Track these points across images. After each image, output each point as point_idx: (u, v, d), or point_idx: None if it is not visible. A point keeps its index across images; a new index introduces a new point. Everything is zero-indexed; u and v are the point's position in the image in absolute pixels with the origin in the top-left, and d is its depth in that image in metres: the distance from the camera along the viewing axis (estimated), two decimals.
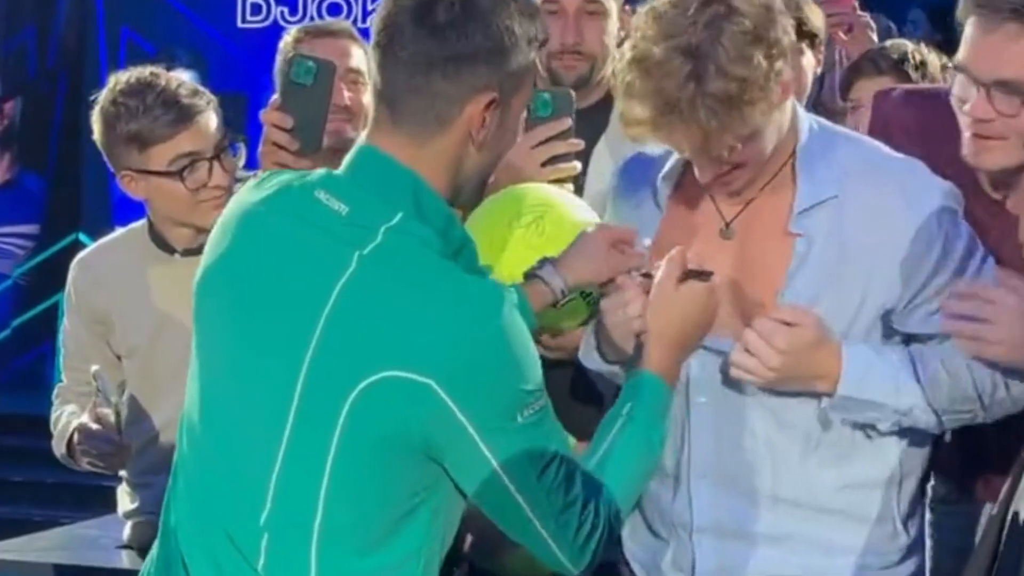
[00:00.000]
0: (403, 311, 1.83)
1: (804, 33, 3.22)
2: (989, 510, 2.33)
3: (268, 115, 2.69)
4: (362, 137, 1.97)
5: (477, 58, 1.88)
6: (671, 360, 2.11)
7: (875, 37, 4.02)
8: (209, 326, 1.98)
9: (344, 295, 1.85)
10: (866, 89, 3.45)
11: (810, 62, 3.34)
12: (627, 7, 3.05)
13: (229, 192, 2.78)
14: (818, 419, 2.21)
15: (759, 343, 2.11)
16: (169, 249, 2.91)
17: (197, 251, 2.47)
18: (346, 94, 2.97)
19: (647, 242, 2.24)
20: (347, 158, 1.96)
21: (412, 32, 1.88)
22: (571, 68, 3.00)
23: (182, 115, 2.78)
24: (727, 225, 2.23)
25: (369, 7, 7.53)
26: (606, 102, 2.81)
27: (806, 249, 2.18)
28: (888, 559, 2.27)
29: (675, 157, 2.26)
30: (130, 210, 7.17)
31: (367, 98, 3.05)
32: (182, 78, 2.89)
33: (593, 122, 2.90)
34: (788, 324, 2.11)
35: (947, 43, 6.41)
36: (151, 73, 2.82)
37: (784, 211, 2.19)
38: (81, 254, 3.08)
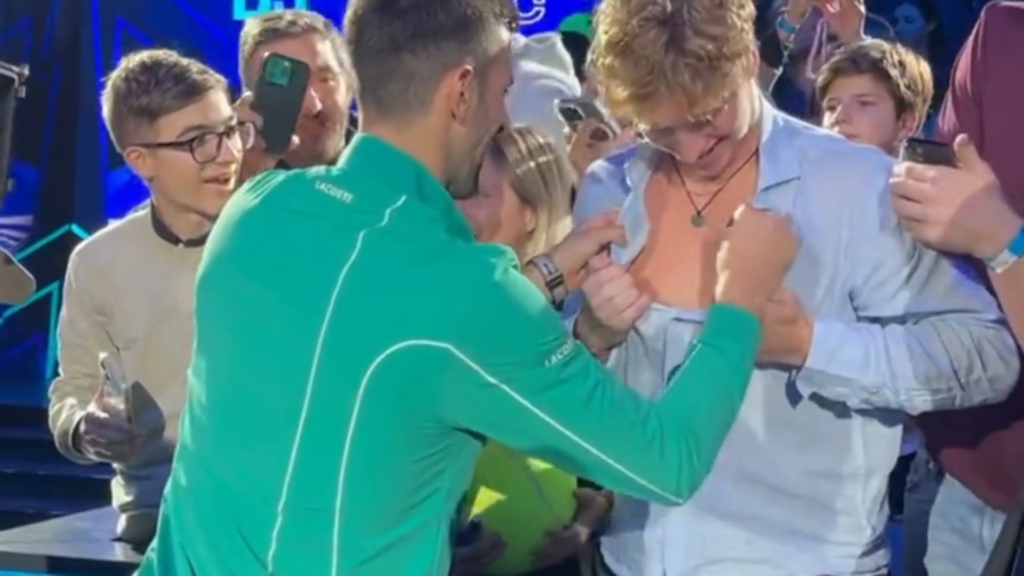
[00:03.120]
0: (412, 283, 1.87)
1: None
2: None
3: (242, 113, 2.74)
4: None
5: (442, 34, 1.94)
6: (754, 296, 2.10)
7: (862, 7, 4.00)
8: (213, 322, 2.00)
9: (353, 275, 1.89)
10: (845, 89, 3.46)
11: None
12: None
13: (234, 176, 2.78)
14: (786, 395, 2.22)
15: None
16: (173, 239, 2.90)
17: (200, 241, 2.50)
18: (317, 101, 2.99)
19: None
20: (347, 150, 2.00)
21: (377, 20, 1.95)
22: None
23: (192, 88, 2.80)
24: (698, 213, 2.25)
25: None
26: None
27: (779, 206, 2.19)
28: (851, 551, 2.28)
29: (641, 149, 2.30)
30: (123, 202, 7.15)
31: (340, 95, 3.09)
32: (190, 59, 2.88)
33: None
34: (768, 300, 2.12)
35: (937, 33, 6.42)
36: (163, 52, 2.85)
37: (747, 191, 2.22)
38: (82, 243, 3.08)
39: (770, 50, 3.84)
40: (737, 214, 2.14)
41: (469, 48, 1.96)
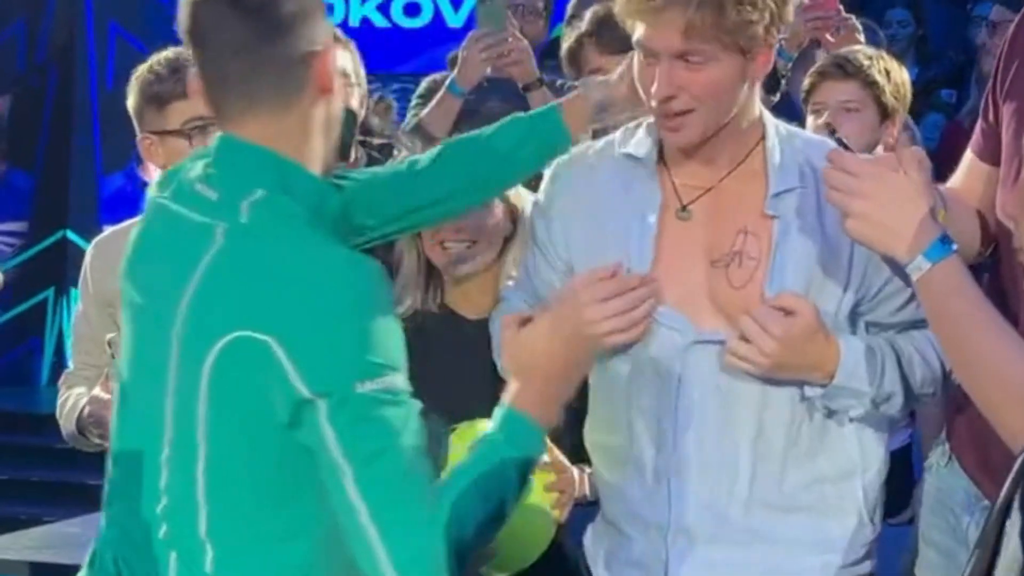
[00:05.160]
0: (255, 277, 1.88)
1: None
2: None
3: None
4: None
5: (301, 18, 1.94)
6: (548, 405, 2.01)
7: (862, 38, 4.04)
8: (124, 314, 2.06)
9: (208, 269, 1.91)
10: (830, 94, 3.48)
11: None
12: None
13: None
14: (793, 411, 2.24)
15: (755, 329, 2.12)
16: None
17: None
18: None
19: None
20: (213, 149, 2.01)
21: (232, 16, 1.93)
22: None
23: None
24: (684, 207, 2.24)
25: (359, 6, 7.53)
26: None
27: (784, 231, 2.21)
28: (853, 555, 2.29)
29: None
30: (118, 207, 7.15)
31: (355, 102, 3.18)
32: None
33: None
34: (786, 312, 2.13)
35: (923, 39, 6.43)
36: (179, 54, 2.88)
37: (755, 199, 2.23)
38: (98, 237, 3.14)
39: (768, 78, 3.88)
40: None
41: (322, 27, 1.98)
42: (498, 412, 2.00)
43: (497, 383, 2.39)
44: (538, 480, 2.57)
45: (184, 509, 1.94)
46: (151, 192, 2.07)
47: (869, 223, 1.99)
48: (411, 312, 2.82)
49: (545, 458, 2.56)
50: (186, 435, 1.93)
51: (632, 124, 2.36)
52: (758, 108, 2.28)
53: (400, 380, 1.88)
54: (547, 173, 2.42)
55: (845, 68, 3.51)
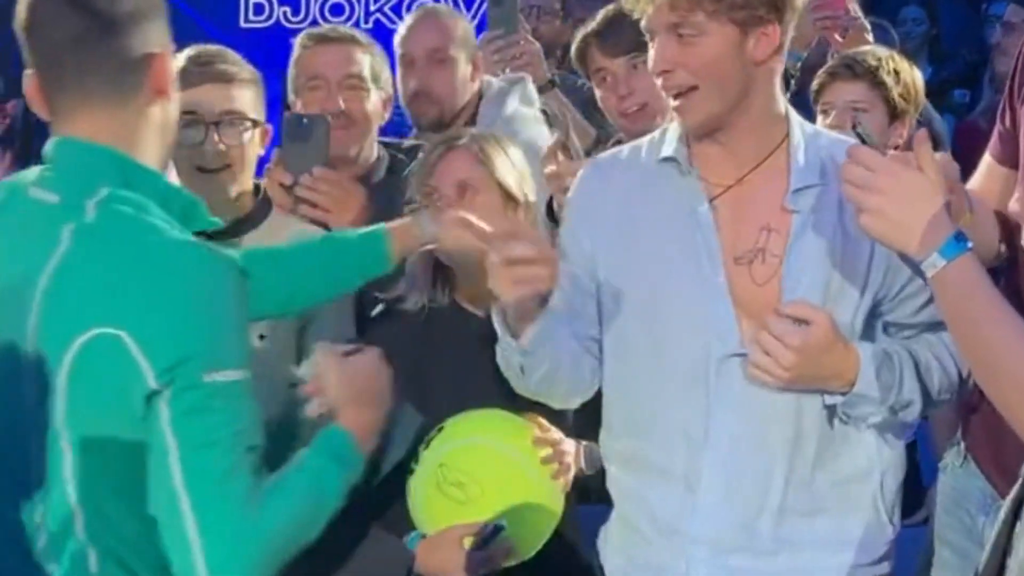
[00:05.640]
0: (107, 274, 1.89)
1: None
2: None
3: (271, 175, 2.96)
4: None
5: (144, 16, 1.97)
6: (361, 422, 2.10)
7: (871, 38, 4.03)
8: None
9: (57, 271, 1.92)
10: (839, 94, 3.48)
11: None
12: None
13: (235, 165, 2.85)
14: (817, 416, 2.26)
15: (773, 343, 2.12)
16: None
17: (227, 233, 2.72)
18: (341, 101, 3.22)
19: None
20: (48, 152, 2.00)
21: (66, 10, 1.94)
22: (424, 113, 3.54)
23: (192, 76, 2.85)
24: (709, 202, 2.25)
25: (371, 7, 7.53)
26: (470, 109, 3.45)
27: (802, 226, 2.23)
28: (874, 554, 2.29)
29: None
30: None
31: (370, 104, 3.26)
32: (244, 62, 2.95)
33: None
34: (801, 321, 2.13)
35: (936, 38, 6.41)
36: (227, 51, 2.93)
37: (778, 196, 2.25)
38: None
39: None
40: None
41: (161, 30, 1.99)
42: (325, 431, 2.06)
43: (503, 379, 2.41)
44: (533, 454, 2.58)
45: (60, 516, 1.93)
46: None
47: (883, 219, 1.99)
48: (419, 307, 2.84)
49: (537, 432, 2.59)
50: (51, 438, 1.92)
51: (658, 132, 2.39)
52: (782, 105, 2.30)
53: (244, 377, 1.90)
54: (578, 175, 2.46)
55: (854, 68, 3.51)
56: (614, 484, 2.44)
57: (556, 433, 2.65)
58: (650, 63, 2.27)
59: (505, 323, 2.25)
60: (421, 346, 2.81)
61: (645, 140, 2.42)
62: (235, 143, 2.85)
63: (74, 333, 1.88)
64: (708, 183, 2.29)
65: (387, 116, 3.38)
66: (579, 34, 3.47)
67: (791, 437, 2.24)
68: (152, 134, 2.00)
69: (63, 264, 1.91)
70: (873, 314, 2.28)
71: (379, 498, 2.72)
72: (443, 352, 2.80)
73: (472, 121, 3.54)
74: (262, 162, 3.06)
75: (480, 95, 3.64)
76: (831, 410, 2.25)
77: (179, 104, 2.80)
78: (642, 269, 2.31)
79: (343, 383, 2.12)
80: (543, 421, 2.64)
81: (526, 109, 3.64)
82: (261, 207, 2.97)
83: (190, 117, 2.83)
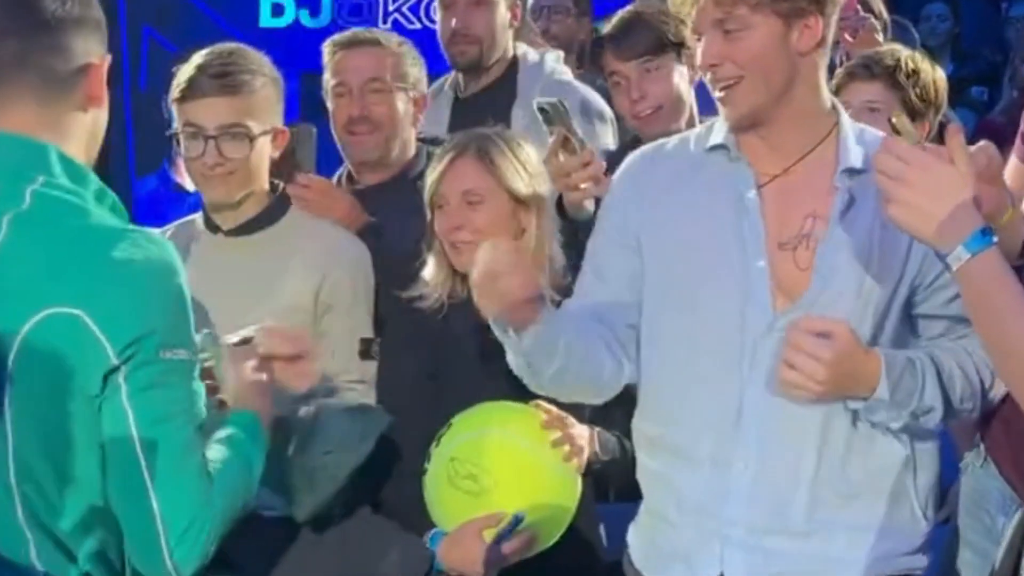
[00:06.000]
0: (56, 255, 1.91)
1: (671, 43, 3.34)
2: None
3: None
4: None
5: (96, 22, 2.03)
6: (267, 410, 2.20)
7: (880, 38, 4.02)
8: None
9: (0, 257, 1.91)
10: (855, 94, 3.47)
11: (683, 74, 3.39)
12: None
13: (241, 173, 2.89)
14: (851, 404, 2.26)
15: (804, 358, 2.15)
16: (214, 228, 2.98)
17: (239, 231, 2.83)
18: (371, 105, 3.27)
19: None
20: None
21: (15, 11, 1.98)
22: (463, 53, 3.63)
23: (193, 89, 2.89)
24: (757, 189, 2.31)
25: (389, 7, 7.54)
26: (508, 76, 3.55)
27: (844, 207, 2.27)
28: (912, 543, 2.30)
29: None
30: (151, 209, 7.15)
31: (401, 103, 3.29)
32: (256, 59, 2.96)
33: (504, 91, 3.54)
34: (823, 334, 2.16)
35: (958, 35, 6.39)
36: (234, 49, 2.94)
37: (824, 185, 2.29)
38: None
39: None
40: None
41: (99, 40, 2.04)
42: (237, 413, 2.15)
43: (512, 374, 2.43)
44: (542, 439, 2.58)
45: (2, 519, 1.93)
46: None
47: (911, 210, 2.01)
48: (437, 305, 2.85)
49: (543, 416, 2.60)
50: None
51: (703, 127, 2.45)
52: (828, 99, 2.34)
53: (193, 358, 1.96)
54: (622, 164, 2.50)
55: (871, 68, 3.50)
56: (643, 473, 2.45)
57: (564, 416, 2.66)
58: (697, 59, 2.32)
59: (501, 325, 2.26)
60: (438, 342, 2.83)
61: (691, 133, 2.47)
62: (237, 155, 2.88)
63: (24, 315, 1.89)
64: (756, 171, 2.33)
65: (420, 116, 3.40)
66: (597, 35, 3.53)
67: (822, 420, 2.26)
68: (80, 137, 2.03)
69: (4, 253, 1.92)
70: (909, 303, 2.29)
71: (397, 499, 2.73)
72: (460, 348, 2.82)
73: (510, 81, 3.61)
74: None
75: (514, 59, 3.72)
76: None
77: (184, 114, 2.88)
78: (685, 252, 2.34)
79: (244, 373, 2.20)
80: (549, 406, 2.64)
81: (563, 68, 3.76)
82: (277, 205, 2.97)
83: (191, 130, 2.87)
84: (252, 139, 2.88)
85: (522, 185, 2.80)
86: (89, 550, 1.96)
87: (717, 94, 2.29)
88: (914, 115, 3.49)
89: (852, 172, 2.30)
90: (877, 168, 2.04)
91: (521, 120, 3.47)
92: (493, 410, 2.67)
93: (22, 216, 1.94)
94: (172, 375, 1.93)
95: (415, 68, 3.35)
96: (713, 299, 2.31)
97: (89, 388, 1.91)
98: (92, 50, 2.03)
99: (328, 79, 3.38)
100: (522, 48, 3.79)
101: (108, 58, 2.06)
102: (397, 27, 7.49)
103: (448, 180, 2.82)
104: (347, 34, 3.42)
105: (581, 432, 2.67)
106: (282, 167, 3.06)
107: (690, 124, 3.38)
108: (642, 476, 2.45)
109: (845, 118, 2.37)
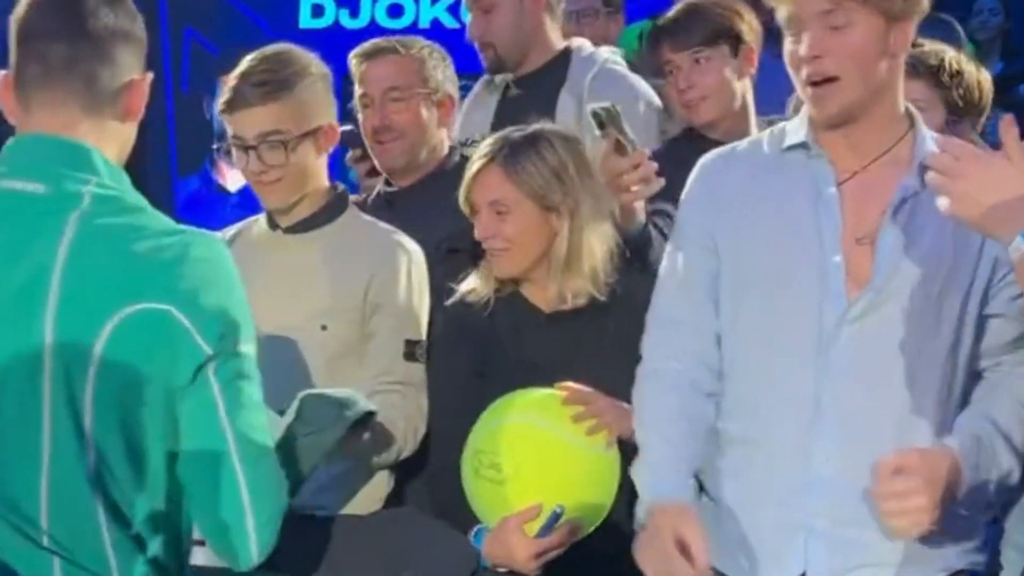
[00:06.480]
0: (133, 252, 1.97)
1: (725, 36, 3.38)
2: None
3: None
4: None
5: (126, 41, 2.08)
6: None
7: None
8: None
9: (72, 255, 1.96)
10: None
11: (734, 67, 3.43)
12: None
13: (286, 179, 2.91)
14: (941, 390, 2.32)
15: (900, 503, 2.17)
16: (274, 224, 3.01)
17: (298, 228, 2.88)
18: (392, 114, 3.31)
19: None
20: (15, 147, 2.06)
21: (67, 24, 2.04)
22: (485, 57, 3.74)
23: (234, 102, 2.91)
24: (838, 186, 2.35)
25: (430, 7, 7.55)
26: (557, 64, 3.61)
27: (911, 193, 2.32)
28: (977, 540, 2.38)
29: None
30: (193, 209, 7.17)
31: (424, 108, 3.33)
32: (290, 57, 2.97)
33: (553, 78, 3.60)
34: (897, 472, 2.18)
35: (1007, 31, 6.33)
36: (272, 53, 2.95)
37: (899, 180, 2.33)
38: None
39: None
40: None
41: (143, 56, 2.11)
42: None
43: (556, 372, 2.49)
44: (562, 418, 2.58)
45: (78, 514, 1.96)
46: None
47: (968, 202, 2.03)
48: (484, 300, 2.86)
49: (565, 395, 2.58)
50: (71, 420, 1.95)
51: (776, 128, 2.48)
52: (904, 103, 2.38)
53: (253, 341, 2.04)
54: (695, 168, 2.52)
55: (916, 67, 3.48)
56: (710, 468, 2.45)
57: (586, 392, 2.64)
58: (786, 55, 2.33)
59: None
60: (484, 340, 2.83)
61: (763, 135, 2.49)
62: (276, 162, 2.89)
63: (107, 312, 1.94)
64: (835, 168, 2.37)
65: (450, 118, 3.43)
66: (653, 27, 3.56)
67: (903, 409, 2.29)
68: (115, 146, 2.09)
69: (77, 250, 1.97)
70: (983, 302, 2.32)
71: (444, 497, 2.72)
72: (505, 343, 2.82)
73: (561, 68, 3.63)
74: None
75: (566, 49, 3.75)
76: (944, 383, 2.31)
77: (230, 125, 2.92)
78: (763, 249, 2.37)
79: None
80: (570, 384, 2.63)
81: (618, 60, 3.78)
82: (335, 204, 2.99)
83: (236, 141, 2.91)
84: (287, 144, 2.88)
85: (551, 188, 2.79)
86: (152, 552, 2.01)
87: (809, 91, 2.31)
88: (959, 113, 3.46)
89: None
90: (932, 165, 2.07)
91: (569, 106, 3.52)
92: (515, 397, 2.67)
93: (87, 215, 1.99)
94: (251, 367, 2.01)
95: (439, 71, 3.36)
96: (791, 293, 2.34)
97: (177, 381, 1.96)
98: (135, 65, 2.09)
99: (355, 91, 3.42)
100: (578, 41, 3.83)
101: (150, 76, 2.13)
102: (436, 27, 7.49)
103: (476, 190, 2.83)
104: (368, 44, 3.44)
105: (604, 404, 2.64)
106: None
107: (744, 117, 3.43)
108: (708, 471, 2.46)
109: (920, 121, 2.41)
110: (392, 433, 2.81)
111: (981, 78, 3.50)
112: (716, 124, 3.41)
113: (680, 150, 3.17)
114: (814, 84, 2.30)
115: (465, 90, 3.75)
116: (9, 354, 1.96)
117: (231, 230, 3.11)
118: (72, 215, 1.99)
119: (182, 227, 2.05)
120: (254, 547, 1.99)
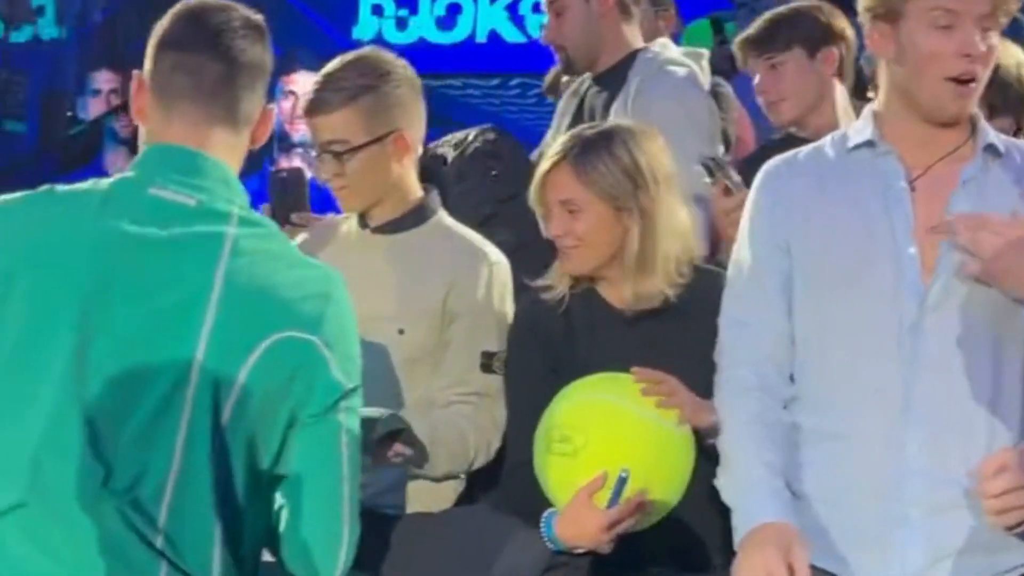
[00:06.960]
0: (280, 283, 2.06)
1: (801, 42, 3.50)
2: None
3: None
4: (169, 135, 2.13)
5: (265, 71, 2.19)
6: None
7: None
8: (41, 339, 2.03)
9: (228, 281, 2.03)
10: None
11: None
12: None
13: (349, 189, 2.91)
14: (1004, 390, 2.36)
15: (1006, 499, 2.20)
16: (364, 223, 2.98)
17: (386, 229, 2.89)
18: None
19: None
20: (158, 156, 2.10)
21: (252, 36, 2.15)
22: (560, 60, 3.78)
23: (308, 107, 2.92)
24: (910, 183, 2.39)
25: (485, 15, 7.54)
26: (621, 67, 3.61)
27: (981, 168, 2.38)
28: None
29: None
30: (255, 208, 7.15)
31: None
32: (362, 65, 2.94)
33: (615, 80, 3.60)
34: (997, 472, 2.21)
35: None
36: (341, 65, 2.92)
37: (962, 173, 2.39)
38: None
39: (857, 85, 3.89)
40: None
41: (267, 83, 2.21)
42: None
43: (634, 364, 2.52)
44: (631, 391, 2.58)
45: (197, 522, 2.02)
46: (57, 210, 2.08)
47: (996, 260, 2.16)
48: (560, 296, 2.85)
49: (637, 375, 2.56)
50: (208, 422, 2.01)
51: (837, 132, 2.53)
52: None
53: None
54: (757, 176, 2.55)
55: None
56: (793, 465, 2.44)
57: (658, 373, 2.63)
58: (922, 43, 2.35)
59: None
60: (559, 334, 2.82)
61: (824, 141, 2.53)
62: (338, 171, 2.88)
63: (257, 337, 2.02)
64: (905, 164, 2.42)
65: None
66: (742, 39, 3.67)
67: (990, 395, 2.32)
68: (237, 169, 2.16)
69: (230, 277, 2.03)
70: None
71: (519, 493, 2.71)
72: (580, 341, 2.82)
73: (623, 70, 3.64)
74: None
75: (634, 52, 3.72)
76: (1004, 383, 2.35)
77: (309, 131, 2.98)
78: (837, 247, 2.41)
79: None
80: (643, 369, 2.63)
81: (668, 53, 3.75)
82: (424, 209, 2.96)
83: (313, 148, 2.93)
84: (341, 155, 2.86)
85: (621, 191, 2.77)
86: (248, 571, 2.09)
87: (951, 87, 2.35)
88: (995, 108, 3.42)
89: (993, 151, 2.41)
90: (960, 233, 2.19)
91: (620, 107, 3.52)
92: (585, 381, 2.68)
93: (237, 238, 2.06)
94: (359, 401, 2.12)
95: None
96: (870, 289, 2.37)
97: (308, 409, 2.06)
98: (264, 96, 2.19)
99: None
100: (660, 41, 3.84)
101: (273, 108, 2.23)
102: (494, 39, 7.48)
103: (547, 189, 2.82)
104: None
105: (681, 388, 2.62)
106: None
107: (832, 115, 3.49)
108: (788, 467, 2.44)
109: (980, 113, 2.46)
110: (461, 445, 2.81)
111: (1021, 74, 3.45)
112: (803, 124, 3.49)
113: (775, 153, 3.18)
114: (961, 82, 2.34)
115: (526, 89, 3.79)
116: (161, 360, 2.01)
117: (320, 223, 3.10)
118: (225, 237, 2.05)
119: (310, 259, 2.17)
120: (340, 568, 2.09)
